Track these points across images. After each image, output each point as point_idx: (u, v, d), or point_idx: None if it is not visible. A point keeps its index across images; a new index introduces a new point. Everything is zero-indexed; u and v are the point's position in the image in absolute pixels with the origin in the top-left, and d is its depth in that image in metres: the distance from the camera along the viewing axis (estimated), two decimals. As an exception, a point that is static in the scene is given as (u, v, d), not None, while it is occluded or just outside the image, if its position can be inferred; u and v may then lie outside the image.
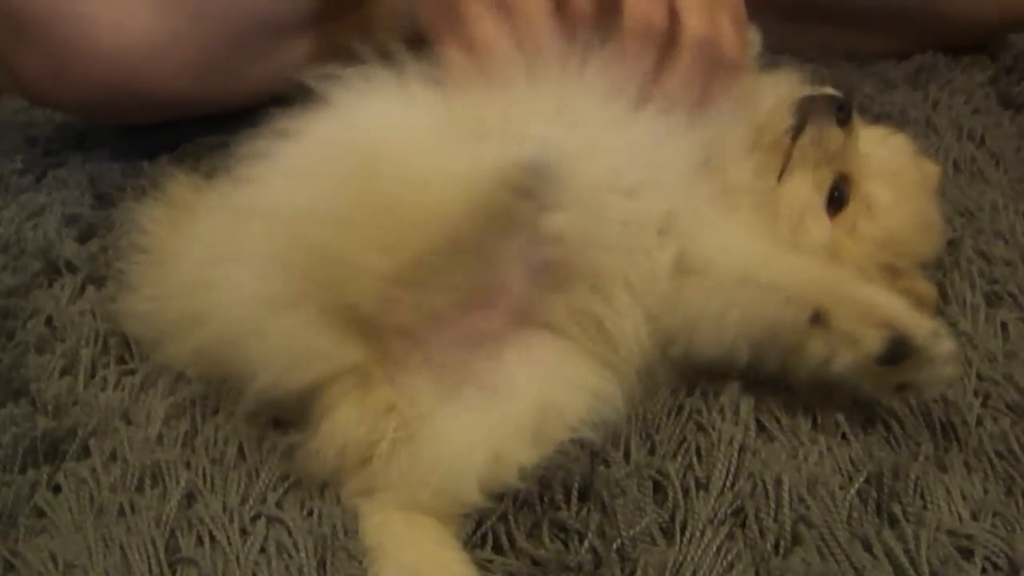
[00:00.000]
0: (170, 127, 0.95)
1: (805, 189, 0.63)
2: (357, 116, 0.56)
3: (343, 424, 0.54)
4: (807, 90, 0.67)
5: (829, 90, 0.67)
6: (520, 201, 0.49)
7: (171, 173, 0.78)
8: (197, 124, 0.94)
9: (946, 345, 0.55)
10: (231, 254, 0.56)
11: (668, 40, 0.62)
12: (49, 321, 0.71)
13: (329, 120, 0.56)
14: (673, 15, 0.63)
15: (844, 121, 0.64)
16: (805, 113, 0.64)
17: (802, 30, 0.99)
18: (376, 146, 0.53)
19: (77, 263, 0.77)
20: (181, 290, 0.61)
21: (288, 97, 0.60)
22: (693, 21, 0.63)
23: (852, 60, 1.03)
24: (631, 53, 0.60)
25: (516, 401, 0.55)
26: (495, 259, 0.54)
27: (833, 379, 0.58)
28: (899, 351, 0.55)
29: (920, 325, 0.55)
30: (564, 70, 0.61)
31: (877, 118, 0.90)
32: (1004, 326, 0.67)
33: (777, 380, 0.62)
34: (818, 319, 0.56)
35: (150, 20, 0.85)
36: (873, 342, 0.55)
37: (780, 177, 0.63)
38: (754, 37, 0.69)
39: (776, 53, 0.72)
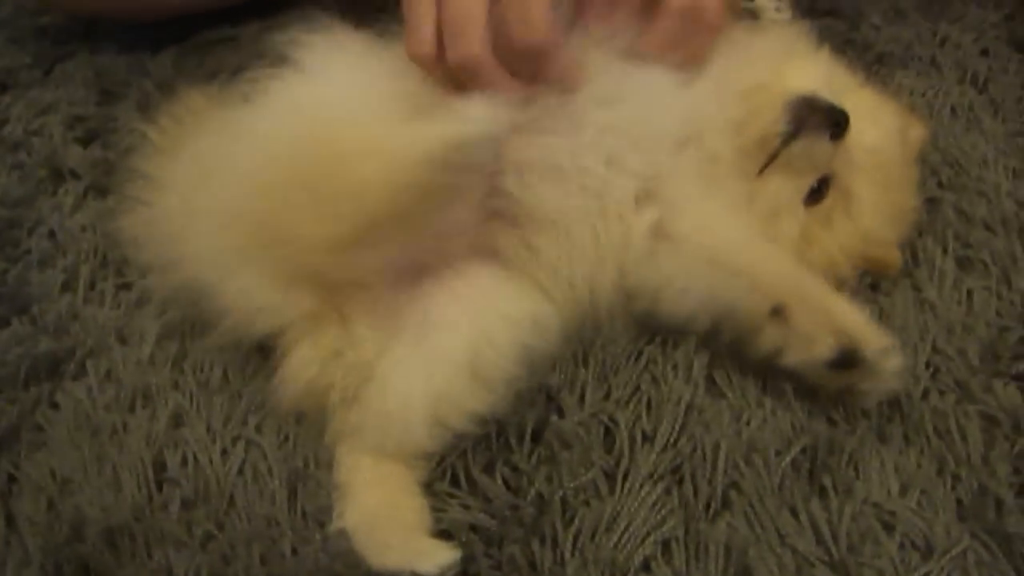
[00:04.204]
0: (177, 20, 0.94)
1: (785, 193, 0.62)
2: (316, 88, 0.57)
3: (299, 365, 0.57)
4: (805, 88, 0.61)
5: (827, 96, 0.62)
6: (451, 177, 0.51)
7: (179, 89, 0.77)
8: (205, 18, 0.94)
9: (893, 362, 0.57)
10: (203, 202, 0.58)
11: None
12: (52, 235, 0.73)
13: (292, 86, 0.58)
14: None
15: (838, 136, 0.61)
16: (800, 122, 0.60)
17: None
18: (325, 120, 0.55)
19: (80, 170, 0.79)
20: (167, 219, 0.63)
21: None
22: None
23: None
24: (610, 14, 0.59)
25: (448, 336, 0.57)
26: (437, 223, 0.55)
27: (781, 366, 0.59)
28: (847, 360, 0.56)
29: (873, 341, 0.56)
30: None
31: (879, 57, 0.87)
32: (970, 295, 0.66)
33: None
34: (778, 313, 0.57)
35: None
36: (825, 347, 0.57)
37: (761, 171, 0.61)
38: (783, 7, 0.67)
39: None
